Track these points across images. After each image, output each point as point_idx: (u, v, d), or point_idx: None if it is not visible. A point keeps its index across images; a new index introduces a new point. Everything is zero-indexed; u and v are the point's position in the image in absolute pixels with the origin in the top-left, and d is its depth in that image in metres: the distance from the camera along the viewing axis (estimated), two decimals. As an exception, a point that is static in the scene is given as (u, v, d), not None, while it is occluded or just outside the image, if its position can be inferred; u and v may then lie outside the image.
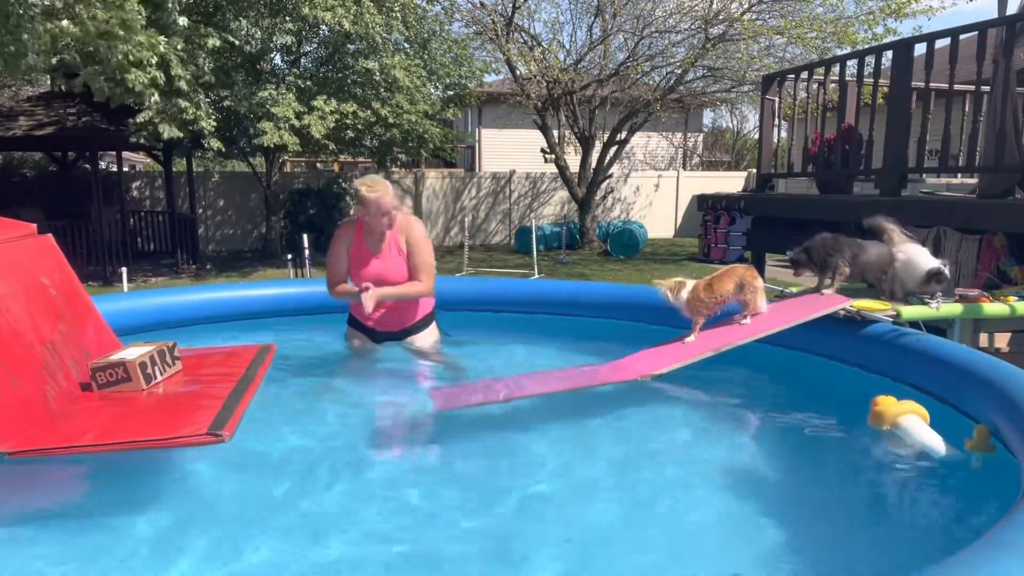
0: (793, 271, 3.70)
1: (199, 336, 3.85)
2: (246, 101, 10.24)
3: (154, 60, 8.16)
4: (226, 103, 10.31)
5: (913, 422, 2.51)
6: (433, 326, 3.84)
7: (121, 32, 7.20)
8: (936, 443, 2.42)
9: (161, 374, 2.73)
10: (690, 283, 3.33)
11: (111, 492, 2.31)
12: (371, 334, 3.72)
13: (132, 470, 2.42)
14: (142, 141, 10.13)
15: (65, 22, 7.24)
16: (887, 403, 2.59)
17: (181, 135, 9.60)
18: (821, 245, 3.57)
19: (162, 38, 8.05)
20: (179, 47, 8.36)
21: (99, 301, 3.43)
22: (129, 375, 2.60)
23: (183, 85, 9.22)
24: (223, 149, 10.97)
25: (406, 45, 12.64)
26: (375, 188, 3.40)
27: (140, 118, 9.48)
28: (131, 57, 7.80)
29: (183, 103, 9.52)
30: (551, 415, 2.96)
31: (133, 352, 2.70)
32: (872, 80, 5.93)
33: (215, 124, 9.87)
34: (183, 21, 8.53)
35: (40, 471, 2.38)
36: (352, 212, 3.64)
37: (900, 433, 2.51)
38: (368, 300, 3.42)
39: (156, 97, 8.76)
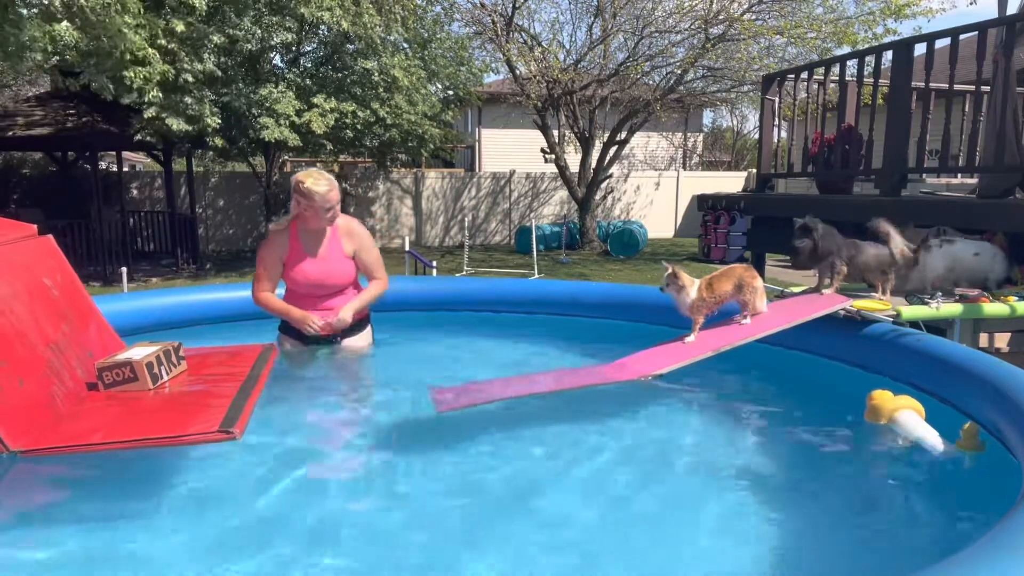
0: (793, 260, 3.71)
1: (194, 337, 3.86)
2: (246, 98, 10.26)
3: (152, 51, 8.14)
4: (226, 99, 10.33)
5: (909, 417, 2.53)
6: (369, 328, 3.72)
7: (118, 19, 7.16)
8: (931, 438, 2.45)
9: (167, 374, 2.74)
10: (697, 283, 3.33)
11: (118, 491, 2.32)
12: (310, 337, 3.51)
13: (139, 468, 2.43)
14: (148, 138, 10.15)
15: (64, 23, 7.24)
16: (883, 398, 2.61)
17: (189, 128, 9.64)
18: (822, 239, 3.55)
19: (160, 21, 8.04)
20: (180, 29, 8.33)
21: (100, 301, 3.44)
22: (136, 375, 2.60)
23: (189, 78, 9.25)
24: (227, 147, 11.00)
25: (405, 45, 12.65)
26: (320, 181, 3.25)
27: (147, 114, 9.51)
28: (130, 54, 7.80)
29: (188, 99, 9.57)
30: (551, 415, 2.97)
31: (139, 352, 2.71)
32: (872, 80, 5.93)
33: (219, 122, 9.90)
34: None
35: (48, 470, 2.38)
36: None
37: (896, 428, 2.54)
38: (341, 323, 3.39)
39: (156, 92, 8.77)
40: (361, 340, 3.65)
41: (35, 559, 1.93)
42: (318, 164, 19.22)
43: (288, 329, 3.55)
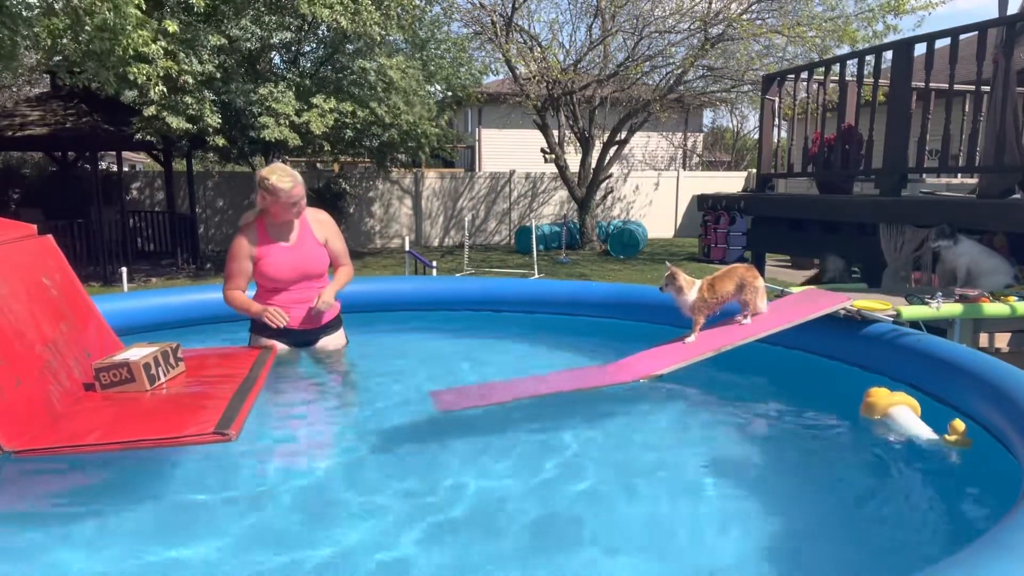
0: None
1: (195, 338, 3.85)
2: (245, 97, 10.27)
3: (155, 47, 8.17)
4: (225, 99, 10.33)
5: (903, 413, 2.55)
6: (342, 328, 3.68)
7: (112, 18, 7.16)
8: (925, 434, 2.46)
9: (165, 375, 2.73)
10: (698, 283, 3.34)
11: (113, 491, 2.32)
12: (286, 336, 3.45)
13: (134, 470, 2.42)
14: (148, 137, 10.15)
15: (61, 15, 7.26)
16: (879, 394, 2.63)
17: (190, 126, 9.65)
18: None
19: (148, 28, 8.05)
20: (172, 30, 8.37)
21: (99, 301, 3.44)
22: (133, 376, 2.60)
23: (189, 79, 9.27)
24: (228, 146, 11.00)
25: (403, 46, 12.65)
26: (284, 178, 3.21)
27: (147, 112, 9.52)
28: (131, 51, 7.81)
29: (188, 99, 9.58)
30: (551, 416, 2.97)
31: (137, 353, 2.70)
32: (872, 80, 5.93)
33: (219, 121, 9.91)
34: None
35: (43, 470, 2.38)
36: (253, 204, 3.44)
37: (891, 423, 2.55)
38: (326, 304, 3.38)
39: (160, 87, 8.79)
40: (337, 340, 3.62)
41: (29, 560, 1.93)
42: (319, 164, 19.24)
43: (261, 329, 3.45)
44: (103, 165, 14.41)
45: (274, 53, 12.09)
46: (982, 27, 4.66)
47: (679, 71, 14.11)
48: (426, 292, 4.86)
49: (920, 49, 5.20)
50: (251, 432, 2.41)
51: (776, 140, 7.26)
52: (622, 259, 13.97)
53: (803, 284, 4.49)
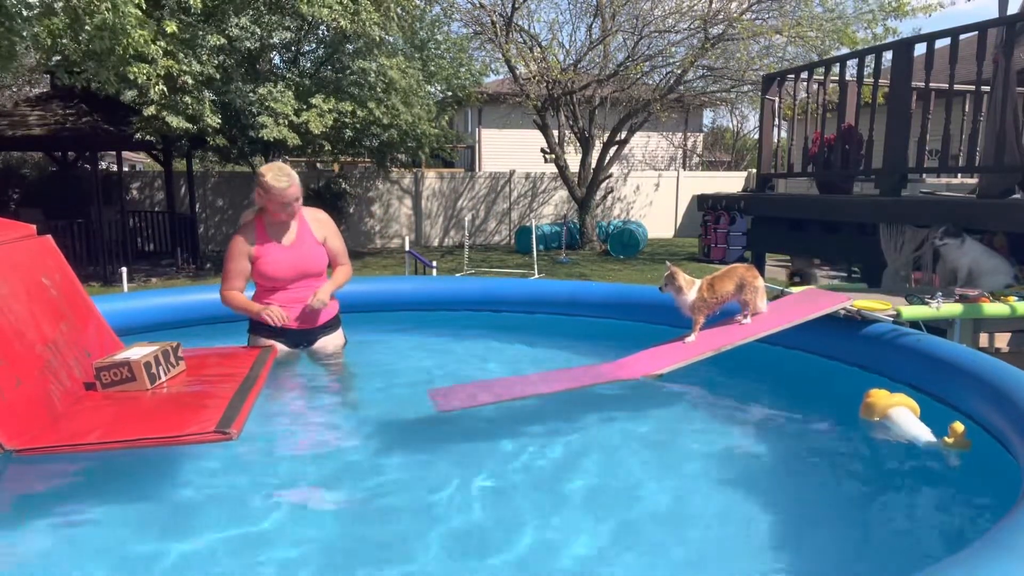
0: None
1: (194, 338, 3.85)
2: (243, 98, 10.27)
3: (155, 47, 8.19)
4: (225, 99, 10.34)
5: (903, 414, 2.55)
6: (340, 328, 3.66)
7: (111, 18, 7.17)
8: (924, 435, 2.46)
9: (165, 374, 2.74)
10: (698, 283, 3.34)
11: (114, 491, 2.31)
12: (285, 335, 3.44)
13: (135, 469, 2.42)
14: (148, 137, 10.15)
15: (61, 15, 7.28)
16: (879, 395, 2.64)
17: (189, 126, 9.66)
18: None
19: (148, 28, 8.05)
20: (171, 30, 8.39)
21: (99, 301, 3.44)
22: (134, 375, 2.60)
23: (188, 80, 9.28)
24: (228, 146, 10.99)
25: (403, 47, 12.65)
26: (280, 177, 3.20)
27: (147, 112, 9.53)
28: (131, 51, 7.82)
29: (187, 99, 9.59)
30: (551, 415, 2.97)
31: (137, 352, 2.71)
32: (872, 80, 5.93)
33: (218, 121, 9.91)
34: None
35: (43, 470, 2.38)
36: (253, 203, 3.43)
37: (890, 424, 2.55)
38: (320, 303, 3.35)
39: (160, 86, 8.80)
40: (336, 340, 3.61)
41: (29, 559, 1.93)
42: (319, 164, 19.23)
43: (259, 328, 3.43)
44: (103, 165, 14.41)
45: (274, 53, 12.09)
46: (982, 27, 4.66)
47: (679, 71, 14.11)
48: (426, 292, 4.86)
49: (920, 49, 5.19)
50: (252, 432, 2.41)
51: (776, 140, 7.26)
52: (622, 259, 13.97)
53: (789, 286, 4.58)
